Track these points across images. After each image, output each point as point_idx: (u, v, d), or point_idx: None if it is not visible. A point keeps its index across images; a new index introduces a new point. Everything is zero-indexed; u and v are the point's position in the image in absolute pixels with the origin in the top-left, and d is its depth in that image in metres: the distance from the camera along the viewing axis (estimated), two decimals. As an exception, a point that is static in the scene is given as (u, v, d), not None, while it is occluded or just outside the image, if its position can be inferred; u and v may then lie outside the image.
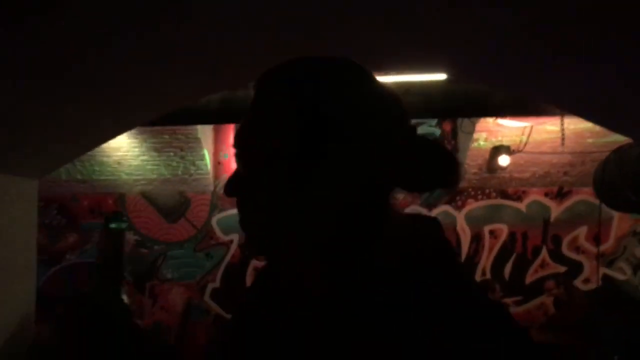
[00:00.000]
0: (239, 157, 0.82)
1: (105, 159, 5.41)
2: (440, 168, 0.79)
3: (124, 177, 5.63)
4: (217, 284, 5.82)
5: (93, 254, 5.76)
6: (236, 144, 0.82)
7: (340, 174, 0.76)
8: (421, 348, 0.71)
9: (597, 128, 4.79)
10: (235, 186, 0.81)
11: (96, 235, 5.82)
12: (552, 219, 5.62)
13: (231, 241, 5.81)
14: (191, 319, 5.81)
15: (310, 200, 0.77)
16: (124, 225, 0.90)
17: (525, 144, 5.17)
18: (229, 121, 4.79)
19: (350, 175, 0.76)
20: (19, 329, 3.54)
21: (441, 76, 3.28)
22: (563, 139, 5.04)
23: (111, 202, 5.83)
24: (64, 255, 5.86)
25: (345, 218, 0.78)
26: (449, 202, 5.62)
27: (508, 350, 0.70)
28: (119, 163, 5.48)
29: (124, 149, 5.33)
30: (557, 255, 5.61)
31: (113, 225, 0.89)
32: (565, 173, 5.43)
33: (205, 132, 5.43)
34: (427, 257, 0.79)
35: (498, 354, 0.69)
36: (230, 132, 5.68)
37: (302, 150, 0.75)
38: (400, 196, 0.85)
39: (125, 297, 0.90)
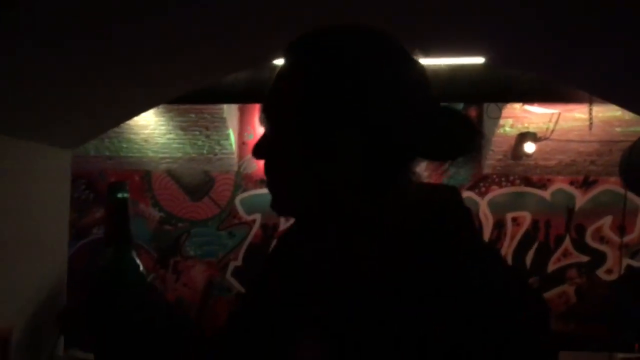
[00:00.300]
0: (266, 121, 0.84)
1: (132, 136, 5.50)
2: (462, 135, 0.80)
3: (150, 154, 5.71)
4: (239, 262, 5.89)
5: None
6: (264, 108, 0.84)
7: (363, 140, 0.77)
8: (435, 309, 0.72)
9: (626, 116, 4.71)
10: (262, 149, 0.84)
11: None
12: (576, 208, 5.56)
13: (254, 221, 5.87)
14: (213, 296, 5.91)
15: (333, 164, 0.78)
16: (127, 194, 0.92)
17: (552, 131, 5.10)
18: (255, 101, 4.83)
19: (373, 141, 0.77)
20: (51, 298, 3.65)
21: (479, 60, 3.24)
22: (591, 126, 4.96)
23: (137, 179, 5.93)
24: (90, 230, 5.99)
25: (367, 183, 0.79)
26: (471, 188, 5.59)
27: (525, 317, 0.70)
28: (145, 141, 5.55)
29: (151, 126, 5.40)
30: (580, 245, 5.56)
31: (120, 195, 0.91)
32: (592, 162, 5.36)
33: (230, 112, 5.47)
34: (445, 221, 0.80)
35: (514, 319, 0.70)
36: (255, 113, 5.71)
37: (325, 115, 0.77)
38: (423, 173, 0.86)
39: (139, 263, 0.92)
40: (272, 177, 0.84)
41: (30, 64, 2.47)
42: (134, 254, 0.92)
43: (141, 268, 0.92)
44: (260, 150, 0.84)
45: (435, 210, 0.81)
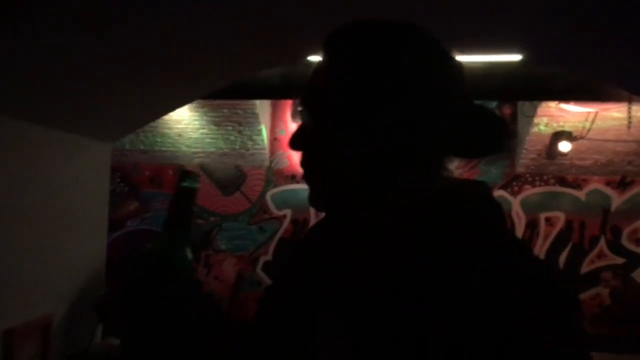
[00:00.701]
0: (304, 113, 0.85)
1: (166, 130, 5.59)
2: (493, 133, 0.79)
3: (184, 149, 5.80)
4: (269, 257, 5.94)
5: (153, 222, 5.97)
6: (302, 101, 0.85)
7: (398, 135, 0.77)
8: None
9: (667, 116, 4.60)
10: (299, 141, 0.85)
11: (156, 204, 6.04)
12: (612, 209, 5.45)
13: (284, 216, 5.91)
14: (243, 290, 5.97)
15: (368, 158, 0.79)
16: (195, 184, 0.93)
17: (589, 131, 5.01)
18: (288, 97, 4.86)
19: (407, 137, 0.77)
20: (89, 288, 3.74)
21: (516, 57, 3.20)
22: (629, 126, 4.85)
23: (171, 173, 6.02)
24: (125, 222, 6.11)
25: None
26: (504, 187, 5.53)
27: (553, 312, 0.69)
28: (179, 135, 5.64)
29: (184, 121, 5.48)
30: (615, 247, 5.44)
31: (185, 184, 0.92)
32: (629, 162, 5.24)
33: (263, 108, 5.52)
34: (474, 214, 0.80)
35: (542, 315, 0.68)
36: (287, 109, 5.74)
37: (361, 110, 0.77)
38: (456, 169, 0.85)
39: (190, 254, 0.94)
40: (311, 168, 0.85)
41: (74, 57, 2.53)
42: (187, 245, 0.93)
43: (190, 258, 0.94)
44: (296, 142, 0.85)
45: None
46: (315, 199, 0.85)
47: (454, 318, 0.70)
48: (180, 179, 0.92)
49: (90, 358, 3.76)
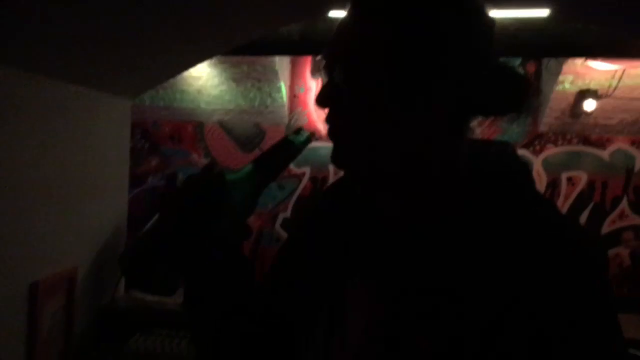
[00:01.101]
0: (332, 69, 0.83)
1: (186, 87, 5.57)
2: (516, 92, 0.79)
3: (203, 106, 5.79)
4: (287, 214, 5.99)
5: (173, 178, 6.02)
6: (330, 58, 0.83)
7: (429, 97, 0.76)
8: (491, 262, 0.72)
9: (698, 74, 4.45)
10: (327, 97, 0.84)
11: (177, 161, 6.08)
12: (636, 169, 5.36)
13: (303, 174, 5.92)
14: (262, 246, 6.04)
15: (396, 119, 0.78)
16: (300, 144, 0.90)
17: (615, 89, 4.88)
18: (308, 53, 4.79)
19: (438, 99, 0.76)
20: (112, 242, 3.83)
21: (544, 12, 3.09)
22: (658, 84, 4.71)
23: (190, 130, 6.04)
24: (146, 178, 6.18)
25: (428, 139, 0.79)
26: (526, 146, 5.45)
27: (579, 269, 0.70)
28: (199, 92, 5.62)
29: (204, 78, 5.45)
30: (637, 207, 5.38)
31: (290, 137, 0.90)
32: (656, 122, 5.12)
33: (282, 65, 5.46)
34: (501, 174, 0.80)
35: (569, 272, 0.69)
36: (307, 66, 5.67)
37: (394, 69, 0.76)
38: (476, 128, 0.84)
39: (254, 200, 0.91)
40: (336, 124, 0.84)
41: (93, 11, 2.51)
42: (262, 189, 0.91)
43: (254, 203, 0.92)
44: (325, 98, 0.84)
45: (491, 159, 0.80)
46: (336, 156, 0.85)
47: (469, 293, 0.71)
48: (295, 131, 0.91)
49: (114, 311, 3.87)
